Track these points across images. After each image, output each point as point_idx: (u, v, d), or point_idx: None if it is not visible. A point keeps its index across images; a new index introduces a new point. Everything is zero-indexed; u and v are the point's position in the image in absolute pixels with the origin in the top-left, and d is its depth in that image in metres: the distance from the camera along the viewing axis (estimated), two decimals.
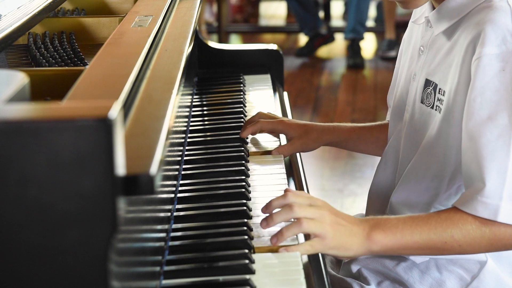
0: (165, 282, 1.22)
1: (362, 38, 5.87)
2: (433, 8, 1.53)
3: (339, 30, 6.81)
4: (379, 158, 1.73)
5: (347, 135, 1.79)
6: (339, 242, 1.32)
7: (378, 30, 6.32)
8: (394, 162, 1.64)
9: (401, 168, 1.58)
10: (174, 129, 1.53)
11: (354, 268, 1.62)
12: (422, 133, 1.52)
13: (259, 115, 1.83)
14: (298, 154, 1.80)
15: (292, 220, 1.32)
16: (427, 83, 1.52)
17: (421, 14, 1.61)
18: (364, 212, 1.75)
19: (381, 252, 1.37)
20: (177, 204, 1.46)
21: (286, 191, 1.36)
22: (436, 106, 1.48)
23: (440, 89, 1.48)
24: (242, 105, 2.02)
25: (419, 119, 1.54)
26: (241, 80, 2.23)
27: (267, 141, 1.81)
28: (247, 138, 1.80)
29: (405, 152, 1.58)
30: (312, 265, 1.28)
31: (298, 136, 1.76)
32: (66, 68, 1.50)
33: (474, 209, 1.33)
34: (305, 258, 1.28)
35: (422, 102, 1.53)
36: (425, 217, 1.37)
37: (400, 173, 1.58)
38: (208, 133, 1.83)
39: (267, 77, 2.31)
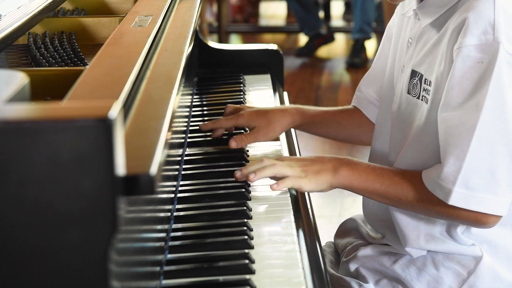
0: (165, 282, 1.22)
1: (369, 37, 5.89)
2: (421, 0, 1.55)
3: (339, 30, 6.82)
4: None
5: (310, 119, 1.80)
6: (311, 179, 1.49)
7: (378, 30, 6.32)
8: (383, 154, 1.65)
9: (391, 158, 1.60)
10: (174, 129, 1.53)
11: (352, 267, 1.63)
12: (409, 123, 1.55)
13: (226, 109, 1.83)
14: (298, 154, 1.79)
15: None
16: (413, 73, 1.54)
17: (409, 7, 1.63)
18: (362, 213, 1.75)
19: (344, 186, 1.50)
20: (177, 204, 1.46)
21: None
22: (423, 96, 1.51)
23: (426, 79, 1.50)
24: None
25: (405, 110, 1.57)
26: (241, 80, 2.23)
27: (267, 144, 1.81)
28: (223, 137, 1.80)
29: (393, 142, 1.61)
30: (312, 264, 1.28)
31: (259, 125, 1.75)
32: (66, 68, 1.50)
33: (432, 187, 1.42)
34: (305, 258, 1.28)
35: (408, 92, 1.55)
36: (391, 172, 1.49)
37: (390, 163, 1.59)
38: (208, 133, 1.83)
39: (267, 77, 2.31)
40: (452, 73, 1.40)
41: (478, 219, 1.41)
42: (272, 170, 1.49)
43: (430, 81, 1.49)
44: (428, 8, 1.52)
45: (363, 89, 1.82)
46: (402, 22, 1.68)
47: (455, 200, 1.39)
